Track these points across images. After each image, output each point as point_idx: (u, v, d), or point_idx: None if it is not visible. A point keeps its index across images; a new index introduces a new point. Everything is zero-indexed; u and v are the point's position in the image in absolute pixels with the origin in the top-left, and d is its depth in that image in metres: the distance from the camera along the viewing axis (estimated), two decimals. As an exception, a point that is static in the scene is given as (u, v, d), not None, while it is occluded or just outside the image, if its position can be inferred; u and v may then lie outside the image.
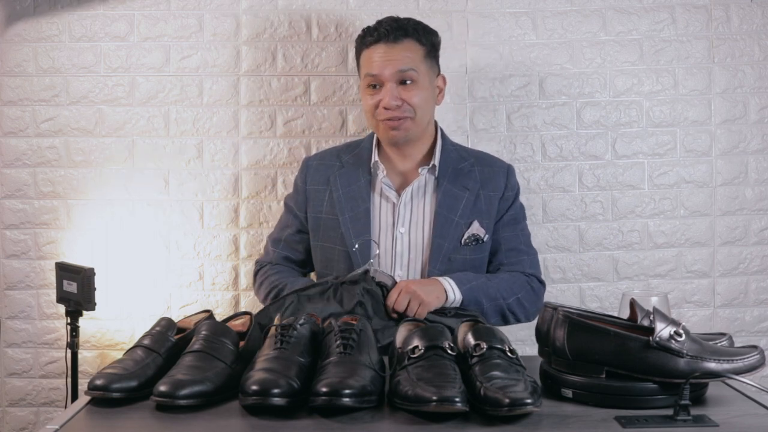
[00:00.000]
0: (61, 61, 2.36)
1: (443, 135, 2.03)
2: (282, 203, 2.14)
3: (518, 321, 1.95)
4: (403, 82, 1.90)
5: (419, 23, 1.96)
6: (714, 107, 2.38)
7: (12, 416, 2.38)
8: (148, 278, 2.36)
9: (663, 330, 1.20)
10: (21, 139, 2.36)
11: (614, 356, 1.21)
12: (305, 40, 2.37)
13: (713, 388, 1.28)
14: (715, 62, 2.38)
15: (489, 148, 2.29)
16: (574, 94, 2.38)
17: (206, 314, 1.50)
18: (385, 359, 1.37)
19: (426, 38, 1.94)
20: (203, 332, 1.33)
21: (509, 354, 1.23)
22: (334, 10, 2.36)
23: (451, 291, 1.82)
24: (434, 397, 1.11)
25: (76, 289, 2.12)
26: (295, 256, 2.04)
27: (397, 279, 1.86)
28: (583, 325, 1.24)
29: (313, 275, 2.09)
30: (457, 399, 1.11)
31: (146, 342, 1.35)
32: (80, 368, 2.28)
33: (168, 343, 1.36)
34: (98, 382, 1.23)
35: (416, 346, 1.24)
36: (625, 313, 1.33)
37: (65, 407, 2.24)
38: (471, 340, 1.25)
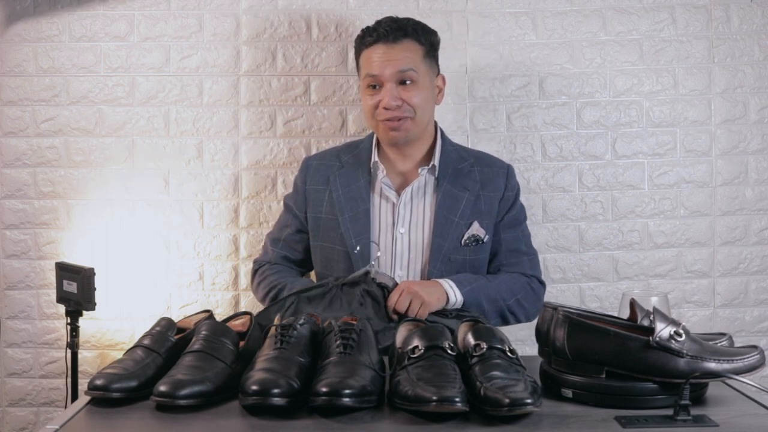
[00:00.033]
0: (61, 61, 2.36)
1: (443, 135, 2.03)
2: (282, 203, 2.15)
3: (518, 321, 1.96)
4: (402, 83, 1.90)
5: (418, 23, 1.96)
6: (714, 107, 2.38)
7: (12, 416, 2.38)
8: (148, 278, 2.36)
9: (663, 330, 1.20)
10: (21, 139, 2.36)
11: (614, 356, 1.21)
12: (305, 40, 2.37)
13: (713, 388, 1.27)
14: (715, 62, 2.38)
15: (489, 148, 2.29)
16: (574, 94, 2.38)
17: (206, 314, 1.50)
18: (385, 359, 1.37)
19: (425, 38, 1.94)
20: (203, 332, 1.33)
21: (509, 354, 1.23)
22: (334, 10, 2.36)
23: (452, 293, 1.82)
24: (434, 397, 1.11)
25: (76, 289, 2.12)
26: (294, 255, 2.04)
27: (397, 279, 1.86)
28: (583, 325, 1.24)
29: (312, 275, 2.09)
30: (457, 399, 1.11)
31: (146, 342, 1.35)
32: (80, 368, 2.28)
33: (168, 343, 1.36)
34: (98, 382, 1.23)
35: (416, 346, 1.24)
36: (625, 313, 1.33)
37: (65, 407, 2.24)
38: (471, 340, 1.25)
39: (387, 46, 1.90)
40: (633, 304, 1.30)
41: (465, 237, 1.93)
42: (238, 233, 2.38)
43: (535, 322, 1.35)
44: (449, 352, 1.24)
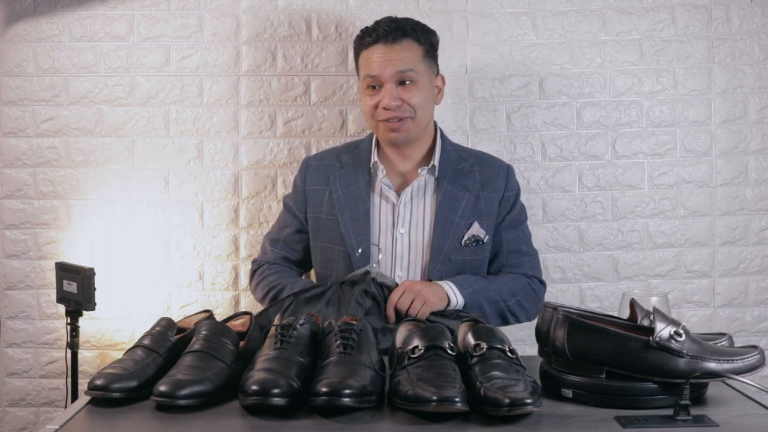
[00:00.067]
0: (61, 61, 2.36)
1: (442, 135, 2.03)
2: (281, 203, 2.14)
3: (518, 321, 1.96)
4: (402, 83, 1.89)
5: (417, 23, 1.95)
6: (714, 107, 2.38)
7: (12, 416, 2.38)
8: (148, 278, 2.36)
9: (663, 330, 1.20)
10: (21, 139, 2.36)
11: (614, 356, 1.21)
12: (305, 40, 2.37)
13: (713, 388, 1.27)
14: (715, 62, 2.38)
15: (489, 148, 2.29)
16: (574, 94, 2.38)
17: (206, 314, 1.50)
18: (385, 359, 1.37)
19: (424, 38, 1.94)
20: (203, 332, 1.33)
21: (509, 354, 1.23)
22: (334, 10, 2.36)
23: (453, 295, 1.82)
24: (434, 397, 1.11)
25: (76, 289, 2.12)
26: (293, 256, 2.03)
27: (398, 280, 1.86)
28: (583, 325, 1.24)
29: (312, 275, 2.09)
30: (457, 399, 1.11)
31: (146, 342, 1.35)
32: (80, 368, 2.28)
33: (168, 343, 1.36)
34: (98, 382, 1.23)
35: (416, 346, 1.24)
36: (625, 313, 1.33)
37: (65, 407, 2.24)
38: (471, 340, 1.25)
39: (386, 47, 1.89)
40: (633, 304, 1.30)
41: (465, 237, 1.93)
42: (238, 233, 2.38)
43: (535, 322, 1.35)
44: (449, 352, 1.24)
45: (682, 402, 1.13)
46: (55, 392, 2.37)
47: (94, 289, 2.13)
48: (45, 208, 2.37)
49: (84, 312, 2.17)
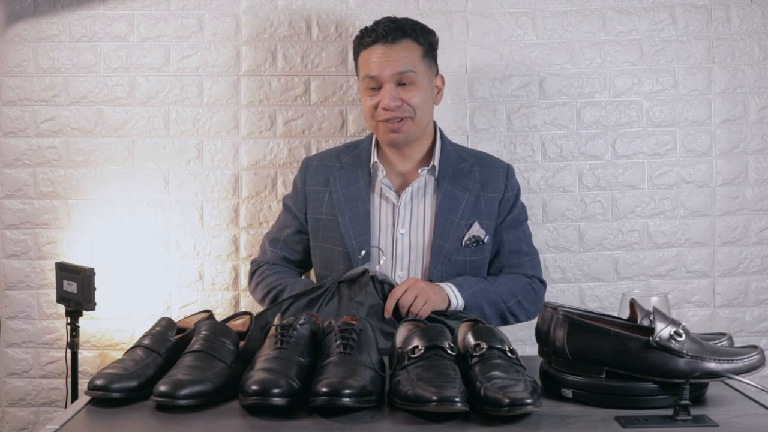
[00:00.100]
0: (61, 61, 2.36)
1: (442, 135, 2.03)
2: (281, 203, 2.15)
3: (518, 321, 1.96)
4: (402, 83, 1.89)
5: (417, 23, 1.95)
6: (714, 107, 2.38)
7: (12, 416, 2.38)
8: (148, 278, 2.36)
9: (663, 330, 1.20)
10: (21, 139, 2.36)
11: (614, 356, 1.21)
12: (305, 40, 2.37)
13: (713, 388, 1.28)
14: (715, 62, 2.38)
15: (489, 148, 2.29)
16: (574, 94, 2.38)
17: (206, 314, 1.50)
18: (385, 359, 1.37)
19: (424, 38, 1.94)
20: (203, 332, 1.33)
21: (509, 354, 1.23)
22: (334, 10, 2.36)
23: (454, 297, 1.82)
24: (434, 397, 1.11)
25: (76, 289, 2.12)
26: (293, 256, 2.03)
27: (398, 280, 1.86)
28: (583, 325, 1.24)
29: (312, 275, 2.09)
30: (457, 399, 1.11)
31: (146, 342, 1.35)
32: (80, 368, 2.28)
33: (168, 343, 1.36)
34: (98, 382, 1.23)
35: (416, 346, 1.24)
36: (625, 313, 1.33)
37: (65, 407, 2.24)
38: (471, 340, 1.25)
39: (386, 47, 1.89)
40: (633, 304, 1.30)
41: (466, 238, 1.92)
42: (238, 233, 2.38)
43: (535, 322, 1.35)
44: (449, 352, 1.24)
45: (682, 402, 1.13)
46: (55, 392, 2.37)
47: (94, 289, 2.13)
48: (45, 208, 2.37)
49: (84, 312, 2.17)
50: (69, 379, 2.20)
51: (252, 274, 2.03)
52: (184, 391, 1.19)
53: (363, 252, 1.89)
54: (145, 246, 2.36)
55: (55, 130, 2.36)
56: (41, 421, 2.37)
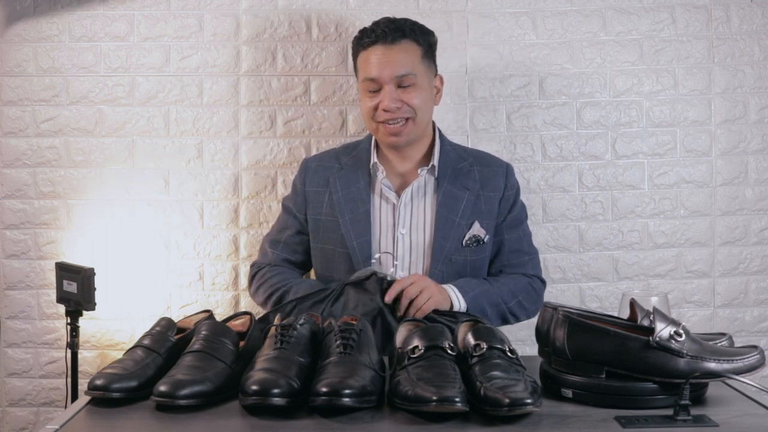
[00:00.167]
0: (61, 61, 2.36)
1: (441, 135, 2.03)
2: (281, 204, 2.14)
3: (519, 321, 1.96)
4: (401, 85, 1.89)
5: (416, 23, 1.95)
6: (714, 107, 2.38)
7: (12, 416, 2.38)
8: (148, 278, 2.36)
9: (663, 330, 1.20)
10: (21, 139, 2.36)
11: (614, 356, 1.21)
12: (305, 40, 2.37)
13: (713, 388, 1.28)
14: (715, 62, 2.38)
15: (489, 148, 2.29)
16: (574, 94, 2.38)
17: (206, 314, 1.50)
18: (385, 359, 1.37)
19: (423, 38, 1.93)
20: (203, 332, 1.33)
21: (509, 354, 1.23)
22: (334, 10, 2.36)
23: (456, 299, 1.82)
24: (434, 397, 1.11)
25: (76, 289, 2.12)
26: (294, 257, 2.03)
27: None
28: (583, 325, 1.24)
29: (312, 275, 2.09)
30: (457, 399, 1.11)
31: (146, 342, 1.35)
32: (80, 368, 2.28)
33: (168, 343, 1.36)
34: (98, 382, 1.23)
35: (416, 346, 1.24)
36: (625, 313, 1.33)
37: (65, 407, 2.24)
38: (471, 340, 1.25)
39: (385, 48, 1.89)
40: (633, 304, 1.30)
41: (466, 237, 1.92)
42: (238, 233, 2.38)
43: (535, 322, 1.35)
44: (449, 352, 1.24)
45: (682, 402, 1.13)
46: (55, 392, 2.37)
47: (94, 289, 2.13)
48: (45, 208, 2.37)
49: (84, 312, 2.17)
50: (69, 379, 2.20)
51: (253, 276, 2.03)
52: (184, 391, 1.19)
53: (377, 256, 1.89)
54: (145, 246, 2.36)
55: (55, 130, 2.36)
56: (41, 421, 2.37)
